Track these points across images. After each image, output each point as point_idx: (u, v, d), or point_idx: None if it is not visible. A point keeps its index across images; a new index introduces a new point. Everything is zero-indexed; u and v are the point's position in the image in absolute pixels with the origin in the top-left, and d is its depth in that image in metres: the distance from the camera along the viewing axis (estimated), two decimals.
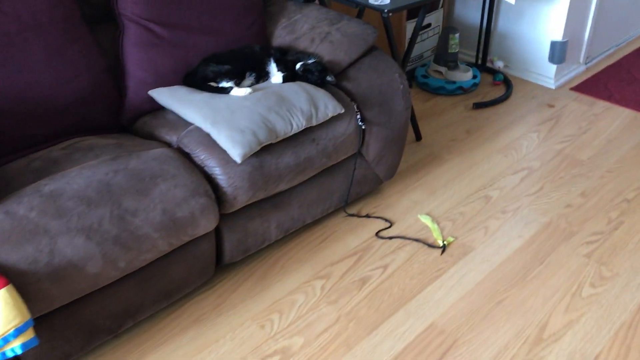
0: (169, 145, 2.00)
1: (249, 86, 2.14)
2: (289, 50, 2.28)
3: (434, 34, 3.59)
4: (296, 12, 2.49)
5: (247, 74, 2.13)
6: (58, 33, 1.95)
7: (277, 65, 2.16)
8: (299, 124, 1.99)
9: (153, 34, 2.14)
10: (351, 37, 2.29)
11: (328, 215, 2.41)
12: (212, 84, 2.07)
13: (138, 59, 2.12)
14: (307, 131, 2.07)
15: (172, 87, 2.10)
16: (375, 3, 2.36)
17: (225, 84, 2.05)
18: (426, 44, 3.58)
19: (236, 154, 1.85)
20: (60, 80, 1.95)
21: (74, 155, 1.85)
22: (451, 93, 3.33)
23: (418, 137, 2.93)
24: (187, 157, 1.94)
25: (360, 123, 2.19)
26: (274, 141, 1.95)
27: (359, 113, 2.20)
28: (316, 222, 2.38)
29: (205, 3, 2.23)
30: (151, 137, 2.06)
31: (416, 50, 3.53)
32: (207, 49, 2.23)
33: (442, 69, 3.37)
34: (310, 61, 2.16)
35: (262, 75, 2.17)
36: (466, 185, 2.59)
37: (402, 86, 2.30)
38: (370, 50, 2.35)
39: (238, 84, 2.09)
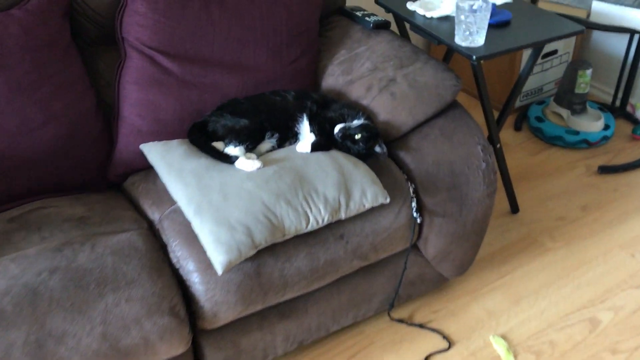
0: (149, 223, 1.53)
1: (270, 150, 1.60)
2: (334, 101, 1.70)
3: (560, 63, 2.81)
4: (361, 42, 1.89)
5: (268, 134, 1.59)
6: (29, 66, 1.52)
7: (311, 125, 1.60)
8: (318, 218, 1.43)
9: (159, 69, 1.65)
10: (421, 89, 1.67)
11: (367, 318, 1.83)
12: (219, 144, 1.56)
13: (136, 99, 1.65)
14: (333, 223, 1.50)
15: (169, 142, 1.61)
16: (463, 44, 1.71)
17: (232, 149, 1.52)
18: (549, 75, 2.82)
19: (217, 261, 1.32)
20: (25, 126, 1.52)
21: (16, 235, 1.42)
22: (572, 146, 2.57)
23: (514, 209, 2.24)
24: (162, 249, 1.45)
25: (415, 214, 1.58)
26: (279, 240, 1.41)
27: (415, 199, 1.59)
28: (349, 326, 1.81)
29: (236, 29, 1.71)
30: (136, 206, 1.60)
31: (534, 82, 2.79)
32: (229, 91, 1.72)
33: (564, 112, 2.62)
34: (354, 123, 1.57)
35: (289, 137, 1.62)
36: (567, 295, 1.89)
37: (485, 164, 1.65)
38: (447, 108, 1.71)
39: (252, 149, 1.56)
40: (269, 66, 1.77)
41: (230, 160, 1.49)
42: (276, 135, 1.60)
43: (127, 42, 1.67)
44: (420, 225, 1.64)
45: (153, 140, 1.64)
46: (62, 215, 1.49)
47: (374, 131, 1.57)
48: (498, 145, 1.99)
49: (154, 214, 1.53)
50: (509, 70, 2.68)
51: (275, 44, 1.77)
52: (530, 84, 2.79)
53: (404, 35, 2.11)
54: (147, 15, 1.64)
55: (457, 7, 1.65)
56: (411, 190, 1.59)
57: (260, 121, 1.60)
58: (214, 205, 1.38)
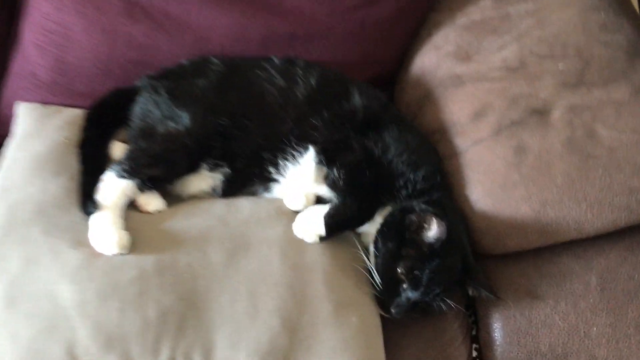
0: None
1: (208, 192, 0.77)
2: (403, 124, 0.77)
3: None
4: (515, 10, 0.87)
5: (210, 162, 0.75)
6: None
7: (327, 163, 0.73)
8: None
9: None
10: (596, 161, 0.68)
11: None
12: (121, 146, 0.77)
13: (42, 17, 0.89)
14: None
15: (60, 111, 0.88)
16: None
17: (110, 182, 0.71)
18: None
19: None
20: None
21: None
22: None
23: None
24: None
25: None
26: None
27: None
28: None
29: None
30: None
31: None
32: (210, 41, 0.89)
33: None
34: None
35: (254, 180, 0.76)
36: None
37: None
38: None
39: (165, 184, 0.74)
40: (307, 7, 0.87)
41: (86, 208, 0.70)
42: (225, 168, 0.75)
43: None
44: None
45: (52, 98, 0.90)
46: None
47: (468, 256, 0.67)
48: None
49: None
50: None
51: None
52: None
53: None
54: None
55: None
56: None
57: (213, 127, 0.75)
58: None
